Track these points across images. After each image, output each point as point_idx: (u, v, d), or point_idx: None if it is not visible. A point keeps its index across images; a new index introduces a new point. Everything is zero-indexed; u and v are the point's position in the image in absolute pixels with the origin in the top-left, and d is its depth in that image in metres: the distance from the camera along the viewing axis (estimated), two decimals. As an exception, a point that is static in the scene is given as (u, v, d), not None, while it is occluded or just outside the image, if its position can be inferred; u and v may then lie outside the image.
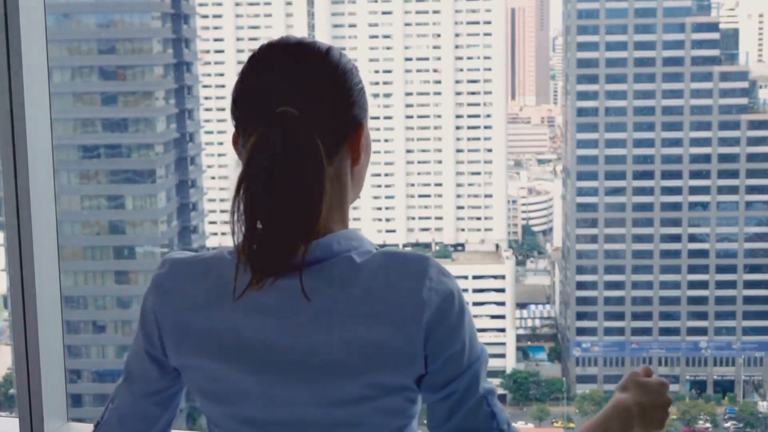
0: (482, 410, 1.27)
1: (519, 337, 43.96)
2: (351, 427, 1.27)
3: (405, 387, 1.27)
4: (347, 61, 1.33)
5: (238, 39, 46.17)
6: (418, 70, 48.39)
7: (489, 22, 48.06)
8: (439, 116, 48.42)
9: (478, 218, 49.06)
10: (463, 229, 49.10)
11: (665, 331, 42.33)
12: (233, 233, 1.24)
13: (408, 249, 1.23)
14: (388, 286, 1.25)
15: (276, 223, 1.24)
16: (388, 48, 47.72)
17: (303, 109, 1.25)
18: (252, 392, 1.28)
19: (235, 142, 1.33)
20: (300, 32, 46.61)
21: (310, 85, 1.29)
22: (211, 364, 1.29)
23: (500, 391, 38.98)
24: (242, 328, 1.27)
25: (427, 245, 48.84)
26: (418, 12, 47.77)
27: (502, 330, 41.69)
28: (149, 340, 1.34)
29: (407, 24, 47.35)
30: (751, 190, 42.75)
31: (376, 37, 47.66)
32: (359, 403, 1.26)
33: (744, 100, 43.52)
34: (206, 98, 44.41)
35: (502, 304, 42.85)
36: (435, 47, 48.09)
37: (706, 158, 43.21)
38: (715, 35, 44.37)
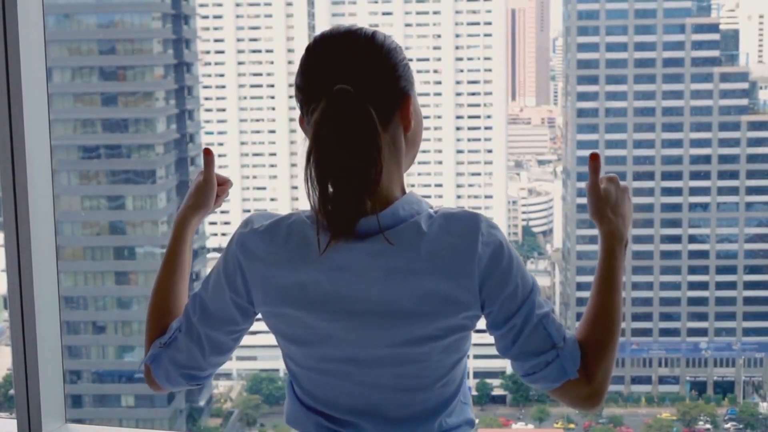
0: (539, 333, 1.52)
1: (519, 338, 43.95)
2: (417, 363, 1.51)
3: (463, 327, 1.51)
4: (391, 42, 1.55)
5: (238, 40, 46.17)
6: (418, 71, 48.38)
7: (489, 23, 48.04)
8: (439, 116, 48.40)
9: (479, 219, 48.96)
10: (463, 230, 48.98)
11: (665, 332, 42.29)
12: (309, 197, 1.45)
13: (460, 208, 1.51)
14: (449, 245, 1.47)
15: (344, 183, 1.44)
16: (388, 49, 47.62)
17: (356, 85, 1.45)
18: (331, 336, 1.50)
19: (301, 123, 1.56)
20: (300, 33, 46.57)
21: (360, 65, 1.49)
22: (295, 312, 1.50)
23: (500, 392, 38.95)
24: (323, 282, 1.48)
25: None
26: (418, 13, 47.76)
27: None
28: (235, 290, 1.55)
29: (407, 24, 47.36)
30: (752, 191, 42.72)
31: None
32: (426, 343, 1.49)
33: (744, 101, 43.48)
34: (206, 99, 44.37)
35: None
36: (435, 48, 48.08)
37: (707, 159, 43.19)
38: (716, 36, 44.33)
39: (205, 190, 1.76)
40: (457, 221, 1.49)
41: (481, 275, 1.48)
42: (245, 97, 45.85)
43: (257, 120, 45.99)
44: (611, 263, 1.68)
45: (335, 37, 1.52)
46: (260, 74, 46.21)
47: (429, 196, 50.59)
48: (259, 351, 39.96)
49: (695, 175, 43.29)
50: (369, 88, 1.47)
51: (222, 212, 44.15)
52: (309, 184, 1.45)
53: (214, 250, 37.93)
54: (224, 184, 1.81)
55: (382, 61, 1.51)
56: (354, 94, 1.45)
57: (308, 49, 1.54)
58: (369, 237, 1.47)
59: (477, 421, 1.58)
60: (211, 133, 43.91)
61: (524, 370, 1.55)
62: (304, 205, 1.57)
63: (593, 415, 38.36)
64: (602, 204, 1.69)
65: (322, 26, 47.82)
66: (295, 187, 45.07)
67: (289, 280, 1.50)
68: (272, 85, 46.29)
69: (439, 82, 48.32)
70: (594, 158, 1.65)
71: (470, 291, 1.48)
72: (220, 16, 45.99)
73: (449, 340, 1.51)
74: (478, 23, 48.04)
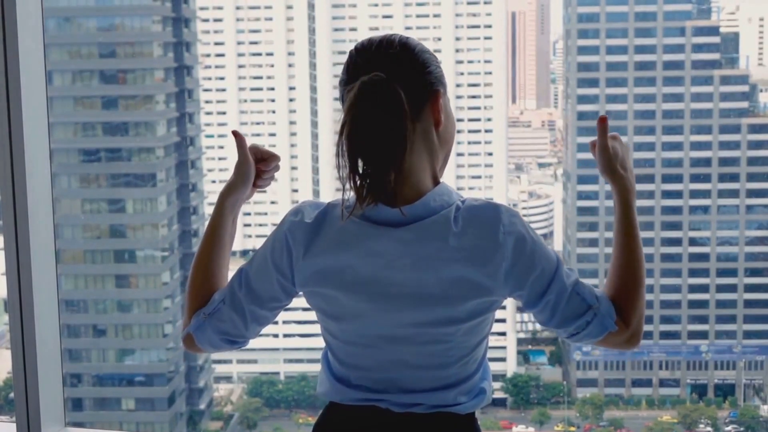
0: (574, 300, 1.68)
1: (520, 341, 43.90)
2: (441, 343, 1.66)
3: (486, 310, 1.67)
4: (423, 46, 1.74)
5: (238, 43, 46.19)
6: (419, 74, 48.26)
7: (489, 26, 48.04)
8: (439, 120, 48.33)
9: (479, 222, 48.88)
10: (463, 233, 48.92)
11: (666, 335, 42.26)
12: (338, 169, 1.60)
13: (482, 200, 1.67)
14: (473, 236, 1.62)
15: (372, 157, 1.60)
16: (388, 52, 47.55)
17: (388, 73, 1.62)
18: (365, 314, 1.66)
19: None
20: (300, 36, 46.58)
21: (393, 59, 1.66)
22: (333, 292, 1.66)
23: (501, 395, 38.93)
24: (359, 267, 1.64)
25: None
26: (418, 15, 47.78)
27: (503, 334, 41.67)
28: (281, 272, 1.70)
29: (407, 28, 47.36)
30: (752, 193, 42.70)
31: (377, 40, 47.50)
32: (450, 324, 1.65)
33: (744, 104, 43.46)
34: (207, 102, 44.36)
35: (503, 308, 42.64)
36: (435, 51, 47.95)
37: (707, 162, 43.17)
38: (716, 39, 44.32)
39: (241, 169, 1.86)
40: (480, 213, 1.64)
41: (505, 264, 1.63)
42: (245, 100, 45.84)
43: (258, 123, 45.98)
44: (629, 214, 1.77)
45: (374, 41, 1.71)
46: (260, 77, 46.21)
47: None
48: (260, 354, 39.92)
49: (695, 178, 43.27)
50: (400, 78, 1.63)
51: (222, 215, 43.95)
52: (339, 157, 1.60)
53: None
54: (267, 159, 1.90)
55: (414, 58, 1.69)
56: (387, 79, 1.61)
57: (350, 52, 1.71)
58: (401, 226, 1.63)
59: (492, 393, 1.79)
60: (212, 136, 43.90)
61: (568, 333, 1.72)
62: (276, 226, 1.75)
63: (594, 418, 38.35)
64: (612, 161, 1.78)
65: (323, 29, 47.86)
66: (296, 190, 45.07)
67: (328, 265, 1.65)
68: (272, 88, 46.29)
69: (440, 85, 48.24)
70: (603, 120, 1.78)
71: (494, 278, 1.63)
72: (220, 19, 46.01)
73: (472, 323, 1.66)
74: (478, 26, 48.05)
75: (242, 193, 1.86)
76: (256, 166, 1.88)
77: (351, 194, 1.63)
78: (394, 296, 1.64)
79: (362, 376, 1.70)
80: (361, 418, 1.71)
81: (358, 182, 1.61)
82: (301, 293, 1.74)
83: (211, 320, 1.75)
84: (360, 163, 1.61)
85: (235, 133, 1.91)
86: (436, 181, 1.71)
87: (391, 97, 1.61)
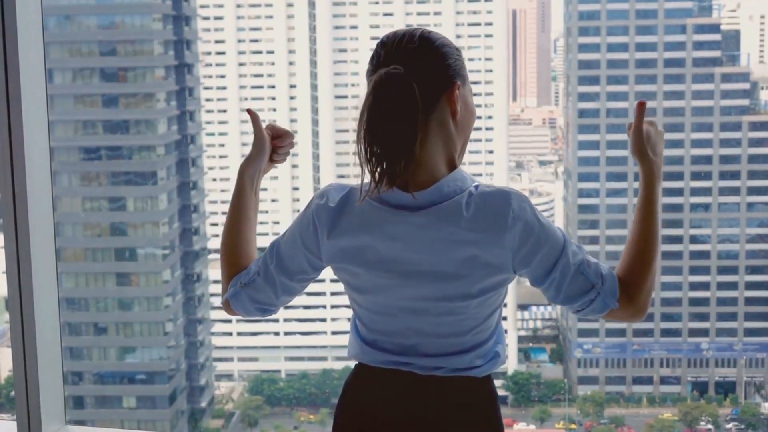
0: (578, 279, 1.83)
1: (520, 339, 43.93)
2: (455, 315, 1.81)
3: (496, 286, 1.81)
4: (444, 39, 1.83)
5: (239, 41, 46.16)
6: (420, 72, 48.19)
7: (490, 24, 48.02)
8: (440, 118, 48.25)
9: (480, 220, 48.79)
10: (464, 231, 48.83)
11: (667, 333, 42.26)
12: (357, 153, 1.74)
13: (494, 186, 1.80)
14: (484, 220, 1.74)
15: (385, 143, 1.72)
16: (389, 49, 47.47)
17: (407, 67, 1.75)
18: (385, 288, 1.81)
19: None
20: (300, 34, 46.56)
21: (413, 53, 1.79)
22: (356, 269, 1.82)
23: (502, 392, 38.94)
24: (379, 248, 1.79)
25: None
26: (419, 14, 47.75)
27: (504, 331, 41.66)
28: (308, 249, 1.87)
29: (408, 26, 47.24)
30: (753, 191, 42.67)
31: (378, 38, 47.50)
32: (462, 299, 1.79)
33: (745, 102, 43.43)
34: (207, 100, 44.32)
35: (504, 305, 42.67)
36: (436, 49, 48.01)
37: (708, 160, 43.16)
38: (717, 37, 44.29)
39: (256, 143, 2.07)
40: (491, 199, 1.76)
41: (514, 246, 1.76)
42: (246, 98, 45.82)
43: (258, 121, 45.95)
44: (650, 196, 1.89)
45: (398, 34, 1.85)
46: (261, 75, 46.18)
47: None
48: (261, 352, 39.94)
49: (696, 176, 43.24)
50: (417, 69, 1.76)
51: (223, 213, 44.01)
52: (358, 142, 1.74)
53: (215, 251, 37.85)
54: (282, 136, 2.10)
55: (433, 52, 1.80)
56: (402, 73, 1.74)
57: (376, 44, 1.86)
58: (417, 211, 1.76)
59: (507, 358, 1.96)
60: (212, 134, 43.91)
61: (573, 309, 1.86)
62: (304, 206, 1.90)
63: (594, 415, 38.35)
64: (644, 144, 1.90)
65: (323, 27, 47.85)
66: (296, 188, 45.05)
67: (351, 244, 1.80)
68: (273, 86, 46.27)
69: (440, 83, 48.12)
70: (641, 104, 1.92)
71: (504, 258, 1.76)
72: (221, 17, 45.98)
73: (483, 297, 1.80)
74: (479, 24, 48.03)
75: (259, 165, 2.05)
76: (271, 142, 2.08)
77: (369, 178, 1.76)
78: (411, 273, 1.78)
79: (387, 340, 1.86)
80: (388, 379, 1.86)
81: (374, 167, 1.73)
82: (328, 267, 1.90)
83: (247, 289, 1.92)
84: (376, 149, 1.73)
85: (250, 111, 2.10)
86: (452, 168, 1.81)
87: (405, 90, 1.72)
